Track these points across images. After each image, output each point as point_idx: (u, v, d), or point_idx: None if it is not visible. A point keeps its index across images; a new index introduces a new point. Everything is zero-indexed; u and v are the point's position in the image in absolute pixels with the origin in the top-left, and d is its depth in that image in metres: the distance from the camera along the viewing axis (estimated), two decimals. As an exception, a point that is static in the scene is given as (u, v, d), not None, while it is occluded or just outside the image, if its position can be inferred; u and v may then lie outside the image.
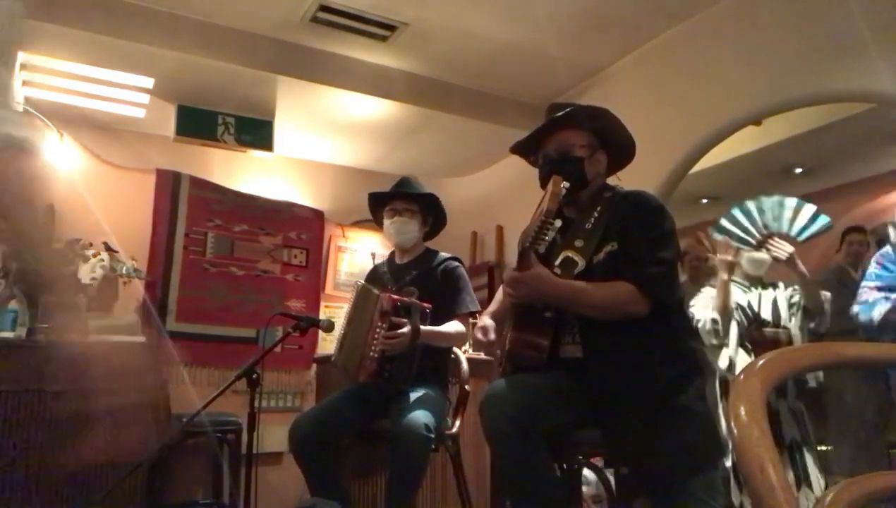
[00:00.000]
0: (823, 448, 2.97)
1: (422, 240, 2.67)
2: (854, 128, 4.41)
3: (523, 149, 1.94)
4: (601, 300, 1.64)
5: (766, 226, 2.86)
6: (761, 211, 2.88)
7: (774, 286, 2.95)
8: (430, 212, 2.65)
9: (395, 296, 2.33)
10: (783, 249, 2.78)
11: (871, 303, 2.72)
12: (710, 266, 3.35)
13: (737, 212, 2.92)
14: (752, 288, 2.94)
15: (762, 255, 2.90)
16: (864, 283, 2.82)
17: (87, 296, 3.06)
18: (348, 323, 2.45)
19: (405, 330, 2.28)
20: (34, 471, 2.24)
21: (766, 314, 2.88)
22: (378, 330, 2.28)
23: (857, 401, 3.38)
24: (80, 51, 3.27)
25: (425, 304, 2.36)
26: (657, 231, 1.70)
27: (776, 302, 2.89)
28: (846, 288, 3.27)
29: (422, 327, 2.32)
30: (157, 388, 2.70)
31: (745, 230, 2.88)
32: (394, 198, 2.61)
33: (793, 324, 2.84)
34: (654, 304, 1.64)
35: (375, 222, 2.75)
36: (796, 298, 2.88)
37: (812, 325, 2.82)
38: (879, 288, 2.73)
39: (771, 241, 2.82)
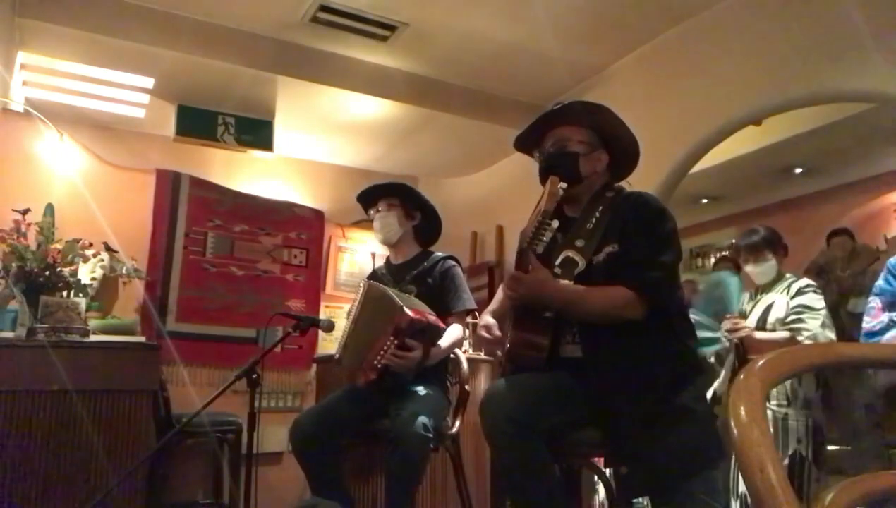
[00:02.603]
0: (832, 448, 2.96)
1: (414, 240, 2.66)
2: (854, 128, 4.41)
3: (524, 143, 1.94)
4: (599, 306, 1.64)
5: (718, 313, 2.85)
6: (709, 300, 2.91)
7: (782, 287, 2.88)
8: (415, 207, 2.63)
9: (415, 317, 2.23)
10: (743, 328, 2.76)
11: (877, 332, 2.51)
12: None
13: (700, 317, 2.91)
14: (758, 295, 2.94)
15: (762, 268, 2.89)
16: (871, 298, 2.62)
17: (86, 296, 3.06)
18: (354, 321, 2.40)
19: (416, 354, 2.25)
20: (34, 471, 2.24)
21: (752, 321, 2.87)
22: (389, 344, 2.23)
23: (847, 401, 3.37)
24: (80, 51, 3.27)
25: (441, 324, 2.33)
26: (658, 233, 1.70)
27: (771, 307, 2.86)
28: (830, 283, 3.26)
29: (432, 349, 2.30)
30: (156, 388, 2.70)
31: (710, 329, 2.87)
32: (377, 199, 2.62)
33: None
34: (652, 309, 1.64)
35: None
36: (795, 291, 2.81)
37: None
38: (884, 307, 2.52)
39: (733, 325, 2.79)
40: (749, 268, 2.94)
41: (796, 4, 2.94)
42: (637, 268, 1.64)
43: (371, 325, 2.32)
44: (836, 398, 3.37)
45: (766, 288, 2.93)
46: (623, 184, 1.91)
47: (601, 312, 1.65)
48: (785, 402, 2.74)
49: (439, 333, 2.32)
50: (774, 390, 2.75)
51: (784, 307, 2.80)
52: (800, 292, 2.81)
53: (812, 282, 2.89)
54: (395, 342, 2.23)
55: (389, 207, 2.58)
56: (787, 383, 2.75)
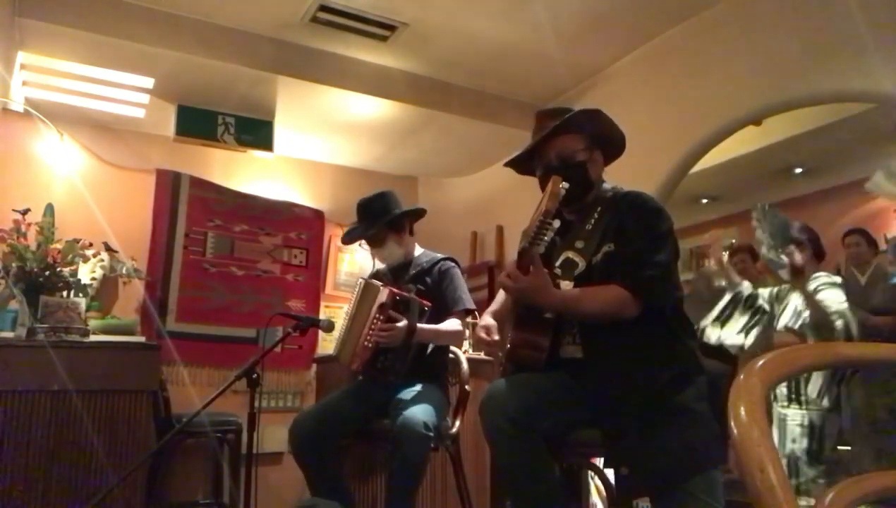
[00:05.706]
0: (842, 448, 2.92)
1: (413, 242, 2.66)
2: (854, 128, 4.41)
3: (519, 162, 1.93)
4: (594, 308, 1.65)
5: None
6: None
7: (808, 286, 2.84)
8: (405, 221, 2.61)
9: (395, 290, 2.35)
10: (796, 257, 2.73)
11: None
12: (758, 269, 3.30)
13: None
14: (780, 296, 2.91)
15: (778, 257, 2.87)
16: None
17: (86, 296, 3.06)
18: (350, 318, 2.46)
19: (401, 324, 2.30)
20: (34, 471, 2.24)
21: (786, 319, 2.84)
22: (375, 321, 2.32)
23: (867, 402, 3.34)
24: (80, 51, 3.27)
25: (425, 302, 2.37)
26: (654, 233, 1.70)
27: (784, 310, 2.84)
28: (853, 292, 3.21)
29: (419, 325, 2.33)
30: (156, 388, 2.70)
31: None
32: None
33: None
34: (646, 307, 1.64)
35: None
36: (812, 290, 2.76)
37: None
38: None
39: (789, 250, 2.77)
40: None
41: (796, 4, 2.94)
42: (632, 267, 1.65)
43: (360, 314, 2.40)
44: (853, 398, 3.33)
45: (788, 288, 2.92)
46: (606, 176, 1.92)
47: (597, 313, 1.65)
48: (786, 402, 2.73)
49: (424, 311, 2.37)
50: (778, 390, 2.75)
51: (794, 310, 2.79)
52: (816, 291, 2.78)
53: (821, 274, 2.85)
54: (381, 317, 2.30)
55: (382, 241, 2.54)
56: (788, 383, 2.74)
